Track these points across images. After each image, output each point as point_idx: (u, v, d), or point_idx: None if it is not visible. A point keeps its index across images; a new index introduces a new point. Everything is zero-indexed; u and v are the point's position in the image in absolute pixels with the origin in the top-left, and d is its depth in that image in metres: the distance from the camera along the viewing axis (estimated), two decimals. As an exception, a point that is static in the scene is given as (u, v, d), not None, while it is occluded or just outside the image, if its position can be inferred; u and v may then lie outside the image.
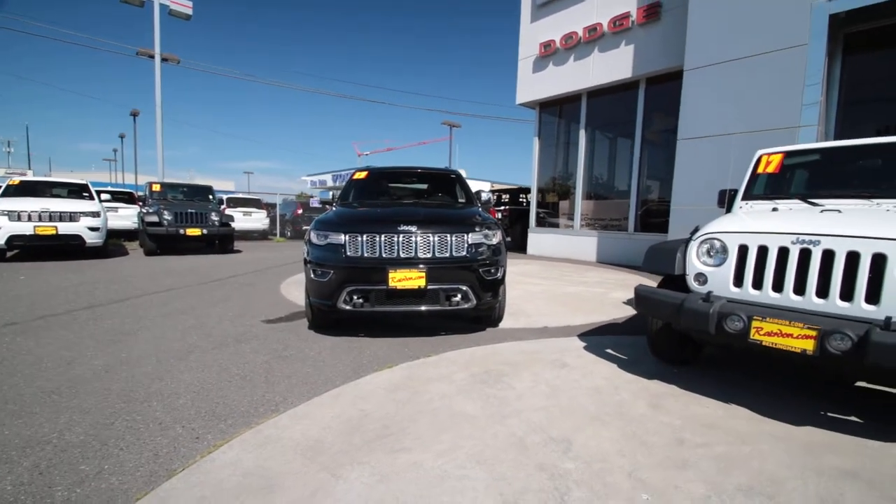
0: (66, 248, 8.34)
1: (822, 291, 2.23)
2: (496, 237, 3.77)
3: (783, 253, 2.37)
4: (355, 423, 2.25)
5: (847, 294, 2.16)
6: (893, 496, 1.72)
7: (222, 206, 12.94)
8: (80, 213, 8.32)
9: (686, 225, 7.25)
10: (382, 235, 3.43)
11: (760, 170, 3.62)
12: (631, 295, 5.84)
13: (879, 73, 6.55)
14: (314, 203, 18.58)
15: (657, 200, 8.87)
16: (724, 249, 2.62)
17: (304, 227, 17.77)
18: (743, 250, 2.53)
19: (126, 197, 14.09)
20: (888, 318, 1.96)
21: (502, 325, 4.25)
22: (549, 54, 10.21)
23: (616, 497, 1.69)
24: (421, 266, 3.37)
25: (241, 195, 17.32)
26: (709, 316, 2.40)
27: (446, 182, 5.28)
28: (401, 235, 3.43)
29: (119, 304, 4.83)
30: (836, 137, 6.48)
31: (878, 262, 2.08)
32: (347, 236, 3.47)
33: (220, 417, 2.30)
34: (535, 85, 10.67)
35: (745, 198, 3.55)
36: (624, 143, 9.51)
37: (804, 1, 6.03)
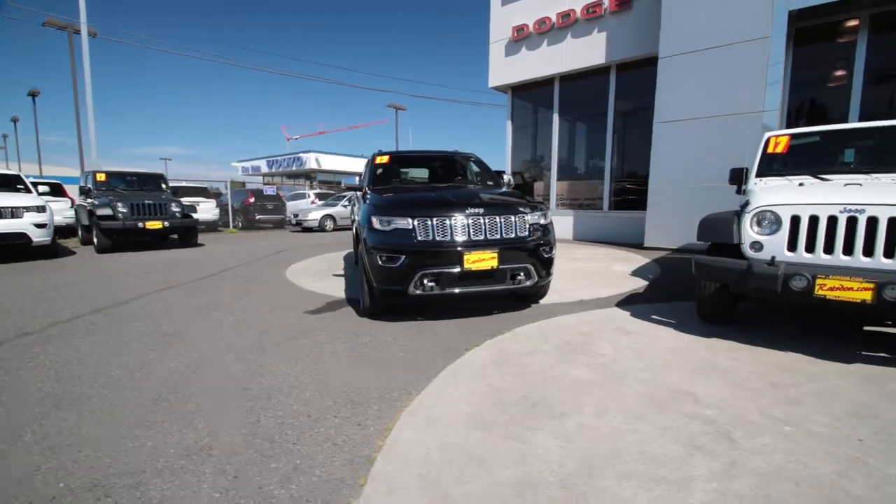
0: (10, 249, 7.31)
1: (868, 251, 2.69)
2: (546, 217, 3.96)
3: (832, 220, 2.80)
4: (496, 397, 2.37)
5: (890, 252, 2.63)
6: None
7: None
8: (23, 207, 7.31)
9: (663, 202, 7.98)
10: (453, 218, 3.49)
11: (770, 150, 4.11)
12: (631, 268, 6.44)
13: (818, 62, 7.59)
14: (269, 191, 17.59)
15: (629, 180, 9.55)
16: (777, 220, 3.01)
17: (259, 216, 17.04)
18: (795, 220, 2.93)
19: (53, 189, 12.42)
20: (935, 270, 2.43)
21: (542, 301, 4.48)
22: (521, 38, 10.44)
23: (768, 431, 1.98)
24: (494, 247, 3.48)
25: (185, 183, 15.88)
26: (777, 277, 2.79)
27: (468, 165, 5.35)
28: (471, 218, 3.51)
29: (128, 306, 4.42)
30: (788, 119, 7.42)
31: (917, 224, 2.55)
32: (416, 220, 3.47)
33: (361, 404, 2.31)
34: (507, 69, 10.88)
35: (758, 175, 4.03)
36: (596, 126, 10.07)
37: (766, -3, 6.75)
